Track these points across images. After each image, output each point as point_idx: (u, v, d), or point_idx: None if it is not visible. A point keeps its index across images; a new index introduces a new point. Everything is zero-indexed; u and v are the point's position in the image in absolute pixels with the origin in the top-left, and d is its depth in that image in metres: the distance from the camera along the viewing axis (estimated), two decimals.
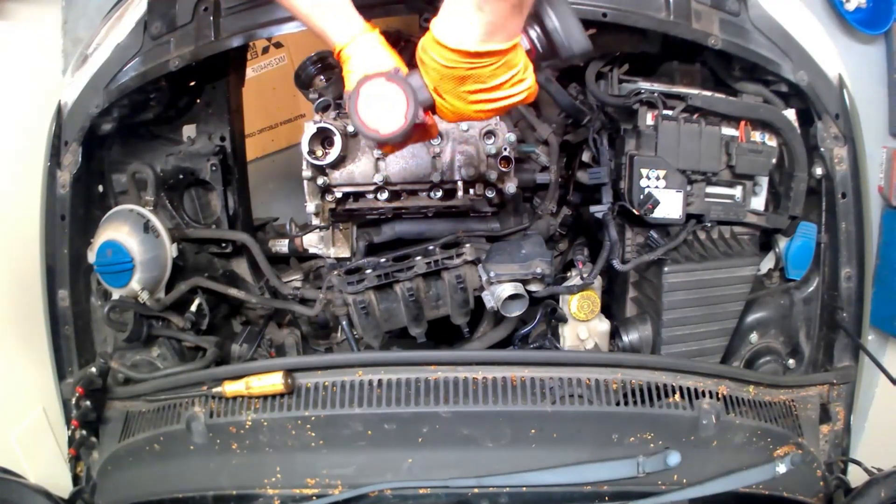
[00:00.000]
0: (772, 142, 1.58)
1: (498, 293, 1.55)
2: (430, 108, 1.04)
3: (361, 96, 1.00)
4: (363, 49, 1.08)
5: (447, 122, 1.08)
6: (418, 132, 1.10)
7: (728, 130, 1.55)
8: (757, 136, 1.57)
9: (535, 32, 1.02)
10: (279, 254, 1.89)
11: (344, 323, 1.64)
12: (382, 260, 1.60)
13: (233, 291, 1.74)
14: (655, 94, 1.52)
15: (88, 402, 1.51)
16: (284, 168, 3.38)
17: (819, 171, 1.59)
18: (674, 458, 1.35)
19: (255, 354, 1.76)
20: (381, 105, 1.00)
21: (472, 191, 1.51)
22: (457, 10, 0.92)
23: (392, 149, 1.29)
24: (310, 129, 1.40)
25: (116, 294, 1.61)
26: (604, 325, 1.66)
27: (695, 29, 1.46)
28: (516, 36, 0.96)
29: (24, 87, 2.18)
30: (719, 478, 1.40)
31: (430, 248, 1.60)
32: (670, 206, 1.52)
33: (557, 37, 1.00)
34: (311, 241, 1.79)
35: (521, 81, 1.00)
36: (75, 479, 1.59)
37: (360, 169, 1.47)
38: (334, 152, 1.41)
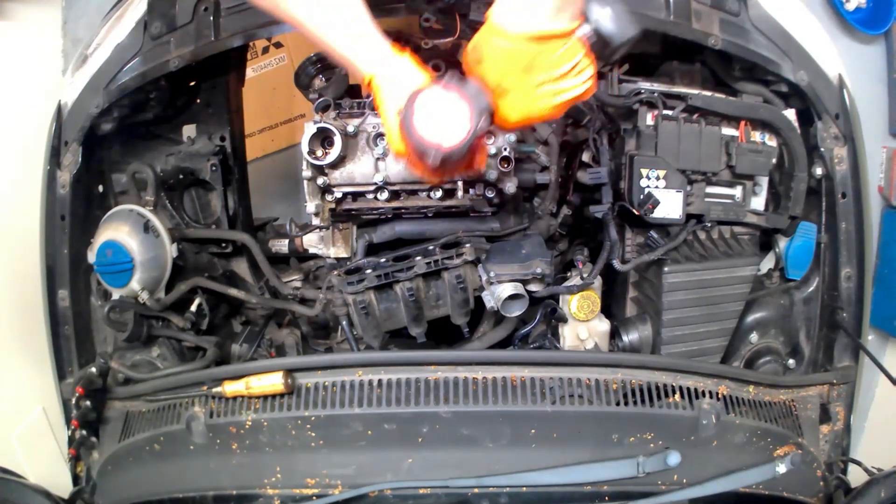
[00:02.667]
0: (772, 142, 1.58)
1: (498, 293, 1.55)
2: (490, 115, 0.97)
3: (417, 109, 0.92)
4: (396, 74, 1.02)
5: (507, 129, 1.01)
6: (472, 157, 1.04)
7: (728, 130, 1.55)
8: (757, 136, 1.57)
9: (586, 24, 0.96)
10: (279, 254, 1.89)
11: (344, 323, 1.64)
12: (382, 260, 1.59)
13: (233, 291, 1.74)
14: (655, 94, 1.52)
15: (88, 402, 1.51)
16: (284, 168, 3.38)
17: (819, 171, 1.59)
18: (674, 458, 1.35)
19: (255, 354, 1.75)
20: (440, 116, 0.92)
21: (472, 191, 1.51)
22: None
23: (449, 172, 1.05)
24: (310, 129, 1.40)
25: (116, 294, 1.61)
26: (604, 325, 1.66)
27: (695, 29, 1.46)
28: (579, 16, 0.92)
29: (24, 87, 2.18)
30: (719, 478, 1.40)
31: (430, 248, 1.60)
32: (670, 206, 1.52)
33: (606, 24, 0.94)
34: (311, 241, 1.79)
35: (584, 70, 0.96)
36: (75, 479, 1.59)
37: (360, 169, 1.47)
38: (334, 152, 1.41)
